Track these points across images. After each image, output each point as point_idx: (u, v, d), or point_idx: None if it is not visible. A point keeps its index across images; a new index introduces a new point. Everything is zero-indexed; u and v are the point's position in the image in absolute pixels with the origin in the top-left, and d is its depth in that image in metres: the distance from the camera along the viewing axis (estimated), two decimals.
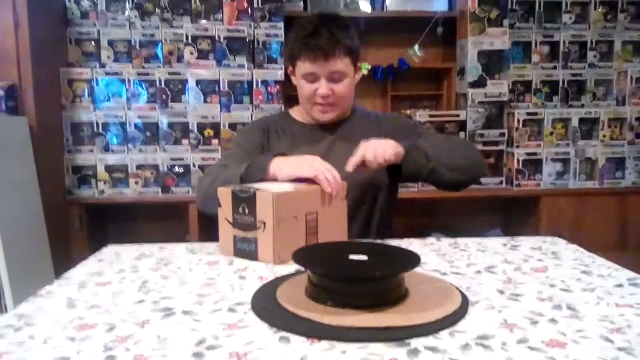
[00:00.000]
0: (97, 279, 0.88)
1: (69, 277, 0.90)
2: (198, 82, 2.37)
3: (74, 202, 2.35)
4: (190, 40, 2.38)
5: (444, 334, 0.63)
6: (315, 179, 1.04)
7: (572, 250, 1.05)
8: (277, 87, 2.41)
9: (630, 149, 2.55)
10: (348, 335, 0.62)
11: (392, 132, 1.27)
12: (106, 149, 2.38)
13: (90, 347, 0.61)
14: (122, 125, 2.38)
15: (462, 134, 2.49)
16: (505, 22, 2.49)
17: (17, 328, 0.67)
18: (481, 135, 2.51)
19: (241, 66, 2.41)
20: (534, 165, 2.51)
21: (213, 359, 0.57)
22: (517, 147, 2.51)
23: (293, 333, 0.63)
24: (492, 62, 2.50)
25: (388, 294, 0.71)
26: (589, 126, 2.55)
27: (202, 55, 2.39)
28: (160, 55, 2.42)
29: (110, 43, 2.40)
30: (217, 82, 2.38)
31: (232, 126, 2.39)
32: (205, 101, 2.38)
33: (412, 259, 0.75)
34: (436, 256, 1.01)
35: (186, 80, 2.37)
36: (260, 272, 0.91)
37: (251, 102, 2.41)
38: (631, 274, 0.87)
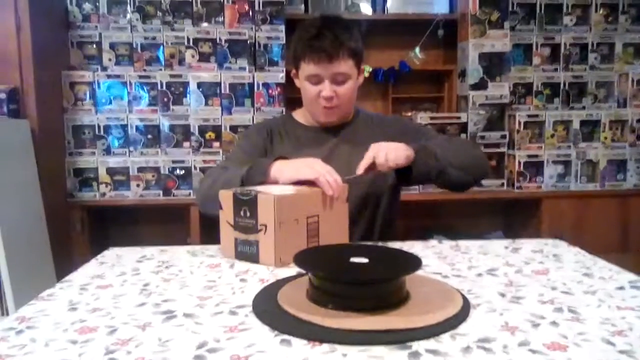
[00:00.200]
0: (98, 282, 0.89)
1: (71, 280, 0.90)
2: (199, 85, 2.38)
3: (76, 205, 2.35)
4: (191, 43, 2.38)
5: (446, 336, 0.63)
6: (316, 182, 1.04)
7: (574, 252, 1.05)
8: (279, 89, 2.41)
9: (632, 151, 2.55)
10: (349, 338, 0.62)
11: (398, 135, 1.27)
12: (107, 151, 2.39)
13: (92, 350, 0.61)
14: (124, 128, 2.38)
15: (463, 136, 2.49)
16: (506, 24, 2.49)
17: (18, 331, 0.67)
18: (482, 137, 2.51)
19: (242, 69, 2.41)
20: (535, 167, 2.51)
21: None
22: (519, 149, 2.51)
23: (294, 336, 0.63)
24: (493, 65, 2.50)
25: (389, 296, 0.71)
26: (590, 128, 2.54)
27: (204, 58, 2.39)
28: (161, 58, 2.43)
29: (112, 46, 2.41)
30: (219, 84, 2.38)
31: (234, 129, 2.39)
32: (206, 104, 2.39)
33: (414, 262, 0.75)
34: (437, 259, 1.01)
35: (187, 83, 2.37)
36: (262, 274, 0.91)
37: (252, 105, 2.41)
38: (633, 277, 0.87)
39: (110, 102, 2.38)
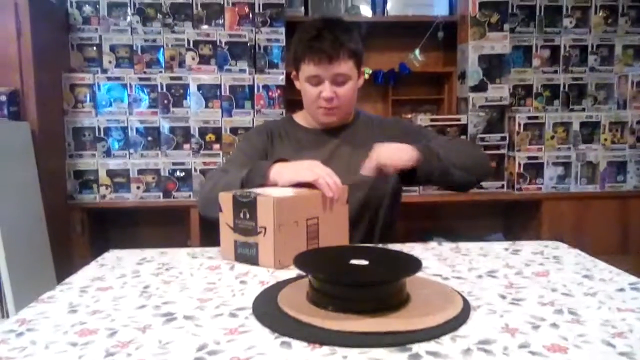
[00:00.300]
0: (98, 284, 0.89)
1: (71, 282, 0.90)
2: (199, 87, 2.38)
3: (76, 207, 2.35)
4: (191, 46, 2.38)
5: (446, 338, 0.63)
6: (315, 184, 1.04)
7: (574, 254, 1.05)
8: (279, 91, 2.41)
9: (632, 152, 2.55)
10: (349, 340, 0.62)
11: (399, 136, 1.27)
12: (108, 153, 2.39)
13: (92, 353, 0.61)
14: (124, 130, 2.39)
15: (463, 138, 2.49)
16: (506, 26, 2.50)
17: (18, 333, 0.67)
18: (482, 139, 2.51)
19: (242, 71, 2.42)
20: (535, 169, 2.51)
21: None
22: (518, 151, 2.51)
23: (294, 338, 0.63)
24: (493, 67, 2.50)
25: (389, 299, 0.71)
26: (590, 130, 2.55)
27: (204, 60, 2.40)
28: (161, 60, 2.43)
29: (112, 48, 2.42)
30: (219, 87, 2.39)
31: (234, 131, 2.39)
32: (206, 106, 2.39)
33: (414, 264, 0.75)
34: (438, 261, 1.01)
35: (188, 85, 2.38)
36: (262, 277, 0.91)
37: (252, 107, 2.41)
38: (633, 279, 0.87)
39: (111, 104, 2.39)
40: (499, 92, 2.51)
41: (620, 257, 2.16)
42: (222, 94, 2.39)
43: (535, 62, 2.61)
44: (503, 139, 2.53)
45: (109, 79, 2.38)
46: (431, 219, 2.73)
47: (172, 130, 2.39)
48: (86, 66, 2.42)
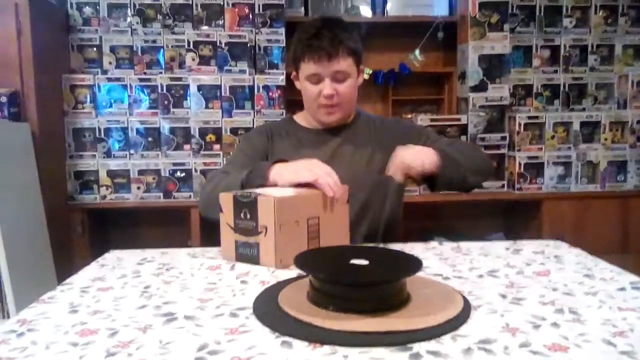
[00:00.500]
0: (99, 285, 0.89)
1: (71, 282, 0.90)
2: (200, 88, 2.38)
3: (76, 207, 2.35)
4: (191, 46, 2.38)
5: (446, 338, 0.63)
6: (315, 184, 1.04)
7: (575, 254, 1.05)
8: (279, 92, 2.41)
9: (632, 152, 2.55)
10: (350, 340, 0.62)
11: (400, 137, 1.27)
12: (108, 154, 2.39)
13: (93, 353, 0.61)
14: (124, 130, 2.39)
15: (463, 138, 2.49)
16: (506, 26, 2.50)
17: (19, 334, 0.67)
18: (482, 139, 2.51)
19: (242, 72, 2.42)
20: (535, 168, 2.51)
21: None
22: (519, 150, 2.51)
23: (295, 338, 0.63)
24: (493, 67, 2.50)
25: (390, 298, 0.71)
26: (590, 130, 2.55)
27: (204, 61, 2.40)
28: (162, 61, 2.43)
29: (112, 49, 2.42)
30: (219, 87, 2.39)
31: (234, 131, 2.40)
32: (206, 107, 2.39)
33: (414, 264, 0.75)
34: (438, 260, 1.01)
35: (188, 86, 2.38)
36: (262, 276, 0.91)
37: (253, 108, 2.41)
38: (634, 278, 0.87)
39: (111, 105, 2.39)
40: (499, 92, 2.51)
41: (620, 257, 2.16)
42: (222, 94, 2.39)
43: (536, 62, 2.61)
44: (503, 138, 2.53)
45: (109, 79, 2.38)
46: (432, 219, 2.73)
47: (173, 130, 2.39)
48: (86, 67, 2.42)
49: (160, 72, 2.42)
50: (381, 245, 1.17)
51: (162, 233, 2.59)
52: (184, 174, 2.39)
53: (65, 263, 2.15)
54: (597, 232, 2.44)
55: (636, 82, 2.60)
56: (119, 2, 2.41)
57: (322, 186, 1.03)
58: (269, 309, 0.72)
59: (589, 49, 2.61)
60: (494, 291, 0.81)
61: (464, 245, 1.13)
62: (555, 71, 2.62)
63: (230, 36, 2.40)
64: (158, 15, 2.42)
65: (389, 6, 2.68)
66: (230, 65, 2.41)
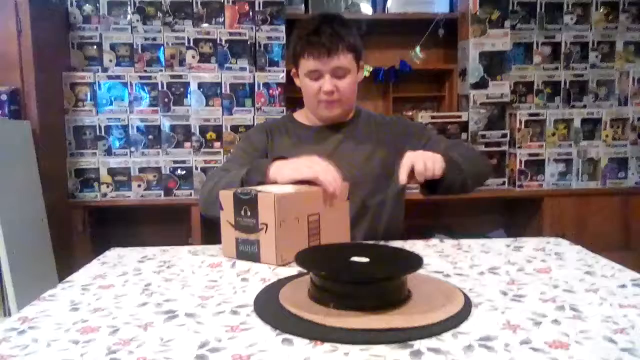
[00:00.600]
0: (100, 282, 0.89)
1: (72, 280, 0.91)
2: (200, 85, 2.38)
3: (77, 205, 2.35)
4: (192, 44, 2.38)
5: (447, 335, 0.63)
6: (315, 181, 1.04)
7: (576, 250, 1.05)
8: (279, 89, 2.41)
9: (633, 149, 2.54)
10: (351, 337, 0.62)
11: (403, 134, 1.27)
12: (109, 152, 2.39)
13: (94, 350, 0.61)
14: (125, 128, 2.38)
15: (464, 135, 2.49)
16: (507, 23, 2.49)
17: (20, 331, 0.68)
18: (483, 136, 2.51)
19: (243, 69, 2.41)
20: (536, 166, 2.51)
21: None
22: (520, 147, 2.50)
23: (296, 335, 0.63)
24: (494, 64, 2.50)
25: (391, 295, 0.71)
26: (591, 127, 2.54)
27: (204, 58, 2.39)
28: (162, 58, 2.43)
29: (113, 47, 2.42)
30: (219, 85, 2.38)
31: (234, 129, 2.39)
32: (207, 104, 2.39)
33: (415, 261, 0.75)
34: (439, 257, 1.01)
35: (188, 84, 2.38)
36: (263, 274, 0.91)
37: (253, 105, 2.41)
38: (635, 275, 0.87)
39: (111, 103, 2.39)
40: (499, 89, 2.51)
41: (621, 254, 2.16)
42: (223, 92, 2.39)
43: (536, 59, 2.61)
44: (504, 136, 2.53)
45: (109, 77, 2.38)
46: (433, 216, 2.73)
47: (173, 128, 2.39)
48: (87, 65, 2.42)
49: (161, 70, 2.42)
50: (381, 242, 1.17)
51: (162, 231, 2.59)
52: (184, 172, 2.39)
53: (66, 261, 2.16)
54: (597, 229, 2.44)
55: (637, 79, 2.60)
56: None
57: (323, 183, 1.03)
58: (269, 307, 0.72)
59: (590, 45, 2.60)
60: (494, 288, 0.81)
61: (465, 242, 1.13)
62: (556, 68, 2.61)
63: (231, 33, 2.40)
64: (158, 12, 2.41)
65: (389, 3, 2.67)
66: (230, 63, 2.41)
